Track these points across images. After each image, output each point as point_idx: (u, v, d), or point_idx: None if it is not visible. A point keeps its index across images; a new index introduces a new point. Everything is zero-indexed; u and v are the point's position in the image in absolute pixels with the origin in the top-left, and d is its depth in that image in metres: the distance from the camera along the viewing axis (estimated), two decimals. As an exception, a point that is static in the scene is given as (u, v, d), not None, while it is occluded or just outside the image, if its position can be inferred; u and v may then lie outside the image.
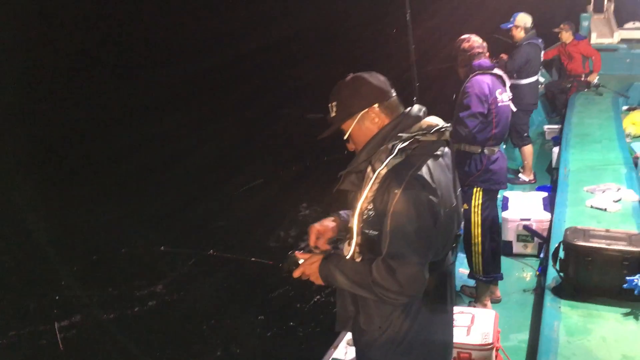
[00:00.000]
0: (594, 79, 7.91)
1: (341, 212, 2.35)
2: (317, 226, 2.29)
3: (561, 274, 3.58)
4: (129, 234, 7.86)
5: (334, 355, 2.85)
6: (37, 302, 6.59)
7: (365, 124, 2.12)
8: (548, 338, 3.14)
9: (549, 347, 3.07)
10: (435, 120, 2.12)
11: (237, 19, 20.60)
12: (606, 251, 3.38)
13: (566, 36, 7.89)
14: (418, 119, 2.11)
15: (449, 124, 2.14)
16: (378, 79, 2.15)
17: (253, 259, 2.36)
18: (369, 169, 2.06)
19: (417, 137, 2.05)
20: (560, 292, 3.54)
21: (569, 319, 3.30)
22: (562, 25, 7.96)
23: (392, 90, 2.16)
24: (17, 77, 15.37)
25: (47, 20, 20.74)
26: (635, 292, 3.26)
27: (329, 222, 2.31)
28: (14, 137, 11.74)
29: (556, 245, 3.71)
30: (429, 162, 2.04)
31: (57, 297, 6.69)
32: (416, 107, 2.15)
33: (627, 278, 3.28)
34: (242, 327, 6.18)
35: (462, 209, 4.18)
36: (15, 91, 14.47)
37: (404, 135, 2.05)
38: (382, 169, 2.01)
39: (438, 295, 2.20)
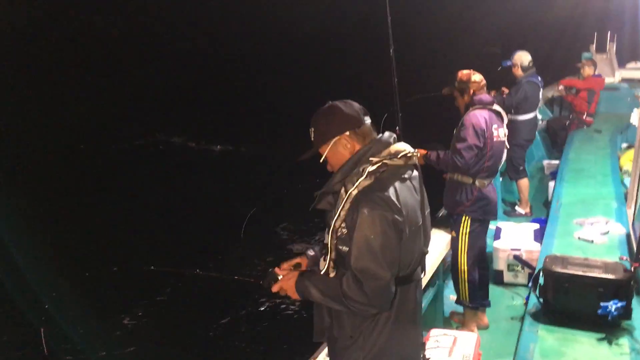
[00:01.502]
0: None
1: (308, 252, 2.58)
2: (285, 266, 2.52)
3: (541, 299, 3.73)
4: (120, 253, 8.14)
5: (313, 365, 3.03)
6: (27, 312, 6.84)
7: (338, 149, 2.34)
8: (523, 359, 3.28)
9: None
10: (403, 147, 2.34)
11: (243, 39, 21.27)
12: (582, 278, 3.54)
13: (588, 71, 8.17)
14: (387, 144, 2.32)
15: (415, 150, 2.36)
16: (352, 108, 2.37)
17: (236, 277, 2.56)
18: (343, 190, 2.28)
19: (385, 161, 2.26)
20: (539, 316, 3.69)
21: (544, 342, 3.44)
22: (583, 61, 8.32)
23: (366, 118, 2.38)
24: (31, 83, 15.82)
25: (61, 22, 21.33)
26: (609, 318, 3.41)
27: (296, 262, 2.55)
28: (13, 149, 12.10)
29: (536, 272, 3.87)
30: (396, 184, 2.25)
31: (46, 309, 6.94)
32: (386, 134, 2.37)
33: (602, 304, 3.42)
34: (225, 340, 6.37)
35: (451, 236, 4.40)
36: (27, 98, 14.88)
37: (374, 159, 2.27)
38: (353, 190, 2.23)
39: (406, 307, 2.37)
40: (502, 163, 4.60)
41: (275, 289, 2.41)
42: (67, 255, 8.37)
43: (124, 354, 6.19)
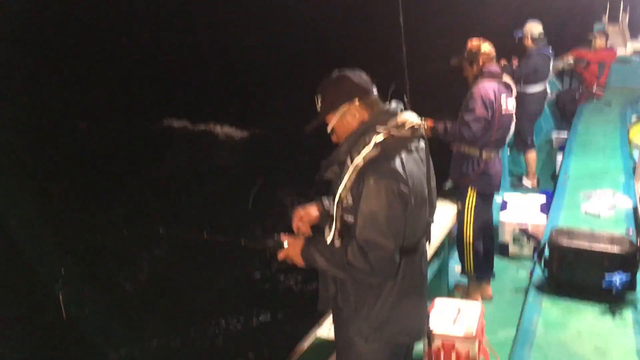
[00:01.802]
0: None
1: (323, 199, 2.56)
2: (300, 211, 2.51)
3: (545, 271, 3.73)
4: (129, 217, 8.27)
5: (318, 333, 3.06)
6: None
7: (346, 118, 2.33)
8: (526, 330, 3.30)
9: (526, 338, 3.23)
10: (410, 117, 2.32)
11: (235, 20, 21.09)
12: (588, 251, 3.52)
13: (599, 43, 8.08)
14: (394, 115, 2.31)
15: (422, 120, 2.34)
16: (360, 77, 2.35)
17: (242, 242, 2.57)
18: (349, 160, 2.27)
19: (392, 132, 2.25)
20: (544, 288, 3.69)
21: (548, 313, 3.45)
22: (595, 32, 8.27)
23: (373, 88, 2.37)
24: (21, 79, 15.88)
25: (56, 24, 21.30)
26: (613, 290, 3.41)
27: (311, 208, 2.53)
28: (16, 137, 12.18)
29: (542, 245, 3.86)
30: (403, 154, 2.24)
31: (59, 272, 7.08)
32: (394, 104, 2.36)
33: (606, 277, 3.42)
34: (229, 305, 6.47)
35: (457, 208, 4.40)
36: (19, 93, 14.96)
37: (381, 129, 2.25)
38: (359, 161, 2.22)
39: (410, 277, 2.39)
40: (510, 135, 4.57)
41: (280, 255, 2.43)
42: (81, 219, 8.52)
43: (129, 318, 6.31)
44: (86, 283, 7.02)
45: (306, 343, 3.01)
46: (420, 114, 2.40)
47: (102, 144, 12.32)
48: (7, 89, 14.77)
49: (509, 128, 4.42)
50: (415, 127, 2.30)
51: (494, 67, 4.33)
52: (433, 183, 2.44)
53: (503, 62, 6.35)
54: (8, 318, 6.40)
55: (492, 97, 4.21)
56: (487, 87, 4.22)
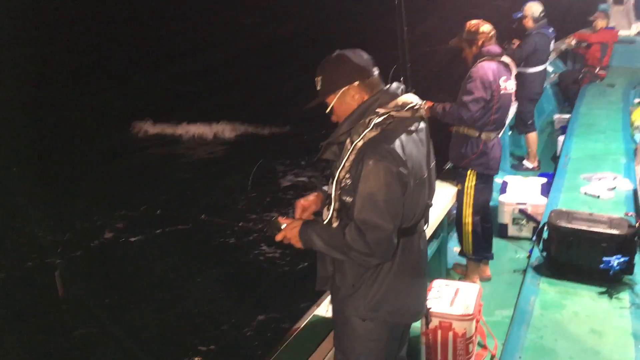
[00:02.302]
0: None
1: (324, 187, 2.57)
2: (302, 201, 2.53)
3: (544, 253, 3.75)
4: (129, 199, 8.36)
5: (316, 312, 3.08)
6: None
7: (346, 99, 2.31)
8: (523, 310, 3.33)
9: (522, 318, 3.26)
10: (410, 98, 2.31)
11: (232, 20, 20.92)
12: (586, 233, 3.53)
13: (600, 24, 8.03)
14: (395, 96, 2.29)
15: (423, 102, 2.33)
16: (361, 58, 2.33)
17: (240, 223, 2.57)
18: (348, 141, 2.26)
19: (392, 113, 2.24)
20: (542, 269, 3.71)
21: (545, 294, 3.47)
22: (596, 14, 8.21)
23: (374, 69, 2.34)
24: (17, 76, 15.81)
25: (49, 21, 21.16)
26: (611, 272, 3.43)
27: (312, 197, 2.55)
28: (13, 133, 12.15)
29: (541, 226, 3.88)
30: (402, 136, 2.23)
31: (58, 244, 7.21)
32: (394, 85, 2.34)
33: (604, 259, 3.44)
34: (229, 286, 6.52)
35: (456, 189, 4.40)
36: (15, 90, 14.90)
37: (381, 111, 2.24)
38: (358, 142, 2.21)
39: (408, 258, 2.39)
40: (511, 116, 4.54)
41: (278, 237, 2.43)
42: (78, 201, 8.56)
43: (125, 297, 6.36)
44: (82, 263, 7.07)
45: (304, 322, 3.03)
46: (420, 96, 2.38)
47: (100, 130, 12.36)
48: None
49: (508, 109, 4.40)
50: (416, 108, 2.29)
51: (493, 47, 4.29)
52: (433, 165, 2.44)
53: (516, 42, 6.31)
54: (7, 293, 6.47)
55: (491, 78, 4.18)
56: (485, 68, 4.19)
